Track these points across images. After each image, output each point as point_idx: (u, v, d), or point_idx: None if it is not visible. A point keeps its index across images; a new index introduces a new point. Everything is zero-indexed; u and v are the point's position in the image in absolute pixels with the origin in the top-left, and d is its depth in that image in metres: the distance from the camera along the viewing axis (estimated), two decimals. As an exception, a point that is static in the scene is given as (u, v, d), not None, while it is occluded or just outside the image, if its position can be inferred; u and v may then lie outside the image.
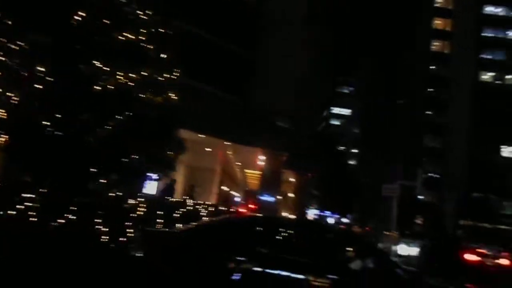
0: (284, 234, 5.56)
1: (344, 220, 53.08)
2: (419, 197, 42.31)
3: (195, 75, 17.08)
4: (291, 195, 31.31)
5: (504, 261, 14.68)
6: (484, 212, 41.44)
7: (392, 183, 9.96)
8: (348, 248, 5.24)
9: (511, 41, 53.80)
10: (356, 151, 77.71)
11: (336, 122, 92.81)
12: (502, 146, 49.92)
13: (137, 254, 5.05)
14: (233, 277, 4.55)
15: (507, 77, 53.60)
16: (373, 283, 4.63)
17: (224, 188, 32.84)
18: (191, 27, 17.97)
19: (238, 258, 4.69)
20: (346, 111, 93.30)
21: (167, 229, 6.63)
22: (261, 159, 19.03)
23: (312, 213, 47.07)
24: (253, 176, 38.81)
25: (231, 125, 17.32)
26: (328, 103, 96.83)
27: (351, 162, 79.54)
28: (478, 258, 14.43)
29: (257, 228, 5.40)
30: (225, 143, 18.50)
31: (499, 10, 54.98)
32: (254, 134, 17.81)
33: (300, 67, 22.40)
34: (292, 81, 20.13)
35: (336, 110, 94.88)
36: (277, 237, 5.42)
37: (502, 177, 40.27)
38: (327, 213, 48.46)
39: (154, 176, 9.03)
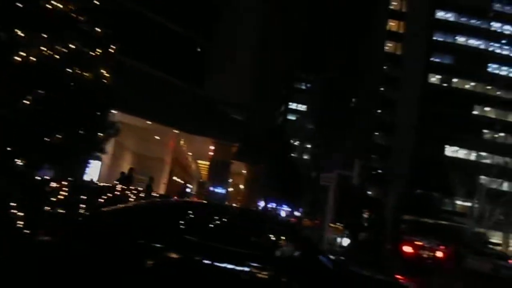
0: (214, 221, 5.30)
1: (296, 213, 53.85)
2: (369, 192, 43.71)
3: (147, 60, 16.37)
4: (242, 186, 31.17)
5: (439, 254, 15.31)
6: (426, 207, 43.52)
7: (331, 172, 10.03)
8: (277, 237, 5.07)
9: (459, 46, 56.55)
10: (309, 146, 79.22)
11: (293, 117, 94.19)
12: (446, 146, 52.57)
13: (46, 239, 4.59)
14: (147, 265, 4.23)
15: (454, 80, 56.36)
16: (296, 270, 4.49)
17: (177, 179, 32.14)
18: (142, 9, 17.22)
19: (156, 245, 4.37)
20: (303, 107, 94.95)
21: (83, 212, 6.17)
22: (211, 149, 18.60)
23: (263, 206, 47.33)
24: (206, 167, 38.28)
25: (182, 113, 16.77)
26: (286, 98, 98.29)
27: (305, 157, 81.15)
28: (414, 251, 14.95)
29: (185, 214, 5.08)
30: (174, 131, 17.94)
31: (449, 16, 57.56)
32: (205, 123, 17.40)
33: (258, 58, 22.20)
34: (248, 73, 19.83)
35: (293, 105, 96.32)
36: (206, 224, 5.14)
37: (445, 175, 42.23)
38: (274, 205, 48.88)
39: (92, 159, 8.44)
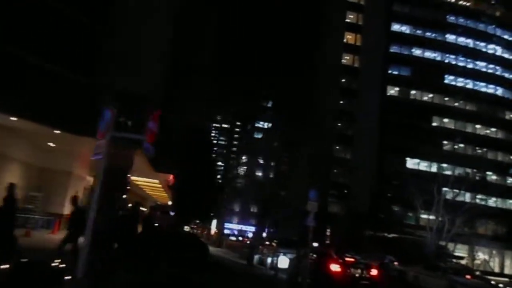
0: None
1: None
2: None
3: (10, 39, 12.91)
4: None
5: (373, 272, 12.62)
6: (388, 222, 41.29)
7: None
8: None
9: (416, 58, 56.02)
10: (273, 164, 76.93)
11: (259, 136, 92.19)
12: (407, 158, 50.96)
13: None
14: None
15: (412, 92, 55.48)
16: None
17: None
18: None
19: None
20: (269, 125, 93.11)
21: None
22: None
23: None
24: (148, 186, 34.54)
25: (62, 108, 13.61)
26: (252, 116, 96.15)
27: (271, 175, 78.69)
28: (343, 269, 12.18)
29: None
30: (55, 131, 14.64)
31: (404, 28, 57.21)
32: (95, 121, 14.27)
33: (174, 51, 19.43)
34: (158, 66, 16.93)
35: (260, 124, 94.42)
36: None
37: (406, 187, 40.29)
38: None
39: None
